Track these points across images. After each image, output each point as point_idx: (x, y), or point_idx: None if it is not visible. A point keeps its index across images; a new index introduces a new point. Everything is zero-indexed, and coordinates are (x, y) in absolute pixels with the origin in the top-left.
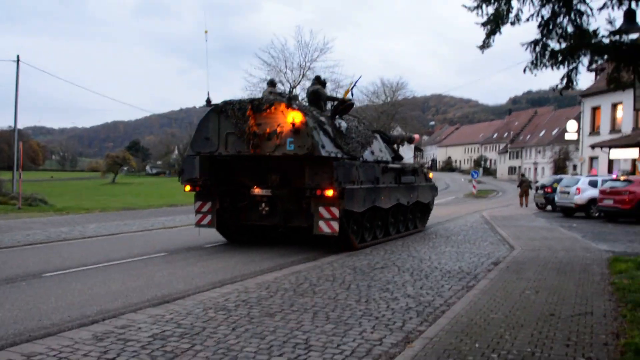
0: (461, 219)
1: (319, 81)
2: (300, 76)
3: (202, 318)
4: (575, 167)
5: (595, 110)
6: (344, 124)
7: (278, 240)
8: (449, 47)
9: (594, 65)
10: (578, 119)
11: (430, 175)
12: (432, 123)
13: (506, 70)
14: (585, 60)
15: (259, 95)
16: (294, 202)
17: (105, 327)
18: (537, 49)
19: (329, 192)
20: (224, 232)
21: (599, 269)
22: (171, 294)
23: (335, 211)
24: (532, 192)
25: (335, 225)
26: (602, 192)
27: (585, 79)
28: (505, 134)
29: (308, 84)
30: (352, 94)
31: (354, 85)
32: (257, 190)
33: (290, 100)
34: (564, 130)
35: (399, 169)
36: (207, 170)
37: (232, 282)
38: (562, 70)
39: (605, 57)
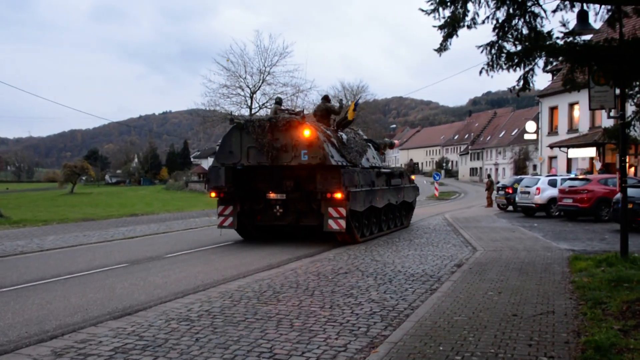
0: (424, 222)
1: (327, 100)
2: (260, 81)
3: (164, 329)
4: (535, 167)
5: (553, 110)
6: (344, 136)
7: (244, 247)
8: (408, 49)
9: (549, 67)
10: (537, 119)
11: (413, 177)
12: (394, 126)
13: (466, 72)
14: (540, 61)
15: (219, 101)
16: (305, 204)
17: (64, 343)
18: (493, 51)
19: (338, 195)
20: (242, 232)
21: (559, 268)
22: (132, 306)
23: (343, 211)
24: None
25: (343, 223)
26: (561, 191)
27: (542, 80)
28: (466, 136)
29: (268, 89)
30: (356, 111)
31: (357, 104)
32: (272, 195)
33: (304, 118)
34: (524, 131)
35: (389, 173)
36: (231, 179)
37: (194, 292)
38: (519, 72)
39: (560, 58)
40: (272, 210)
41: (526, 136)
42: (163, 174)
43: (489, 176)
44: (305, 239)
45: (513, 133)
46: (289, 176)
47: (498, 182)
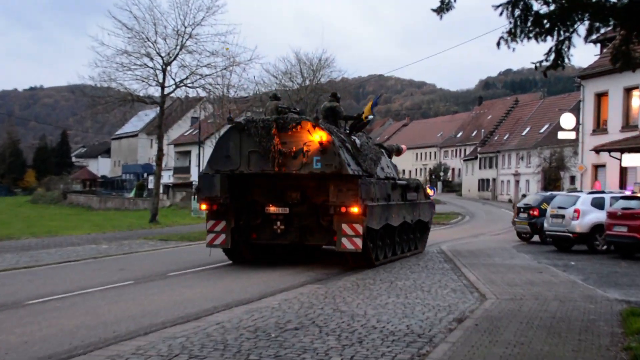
0: (410, 257)
1: (335, 98)
2: (177, 48)
3: None
4: (573, 179)
5: (600, 97)
6: (358, 141)
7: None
8: (395, 9)
9: (594, 35)
10: (576, 110)
11: (429, 192)
12: (370, 117)
13: (476, 41)
14: (582, 27)
15: (116, 74)
16: (312, 219)
17: None
18: (517, 12)
19: (354, 209)
20: (232, 253)
21: (607, 328)
22: None
23: (359, 228)
24: (510, 215)
25: (359, 242)
26: (611, 215)
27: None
28: (474, 133)
29: (189, 59)
30: (374, 113)
31: (375, 103)
32: (272, 208)
33: (317, 120)
34: (557, 127)
35: (405, 186)
36: (227, 189)
37: (84, 353)
38: (550, 43)
39: (611, 22)
40: (271, 227)
41: (561, 135)
42: (29, 180)
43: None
44: (305, 262)
45: (542, 130)
46: (295, 186)
47: (519, 200)
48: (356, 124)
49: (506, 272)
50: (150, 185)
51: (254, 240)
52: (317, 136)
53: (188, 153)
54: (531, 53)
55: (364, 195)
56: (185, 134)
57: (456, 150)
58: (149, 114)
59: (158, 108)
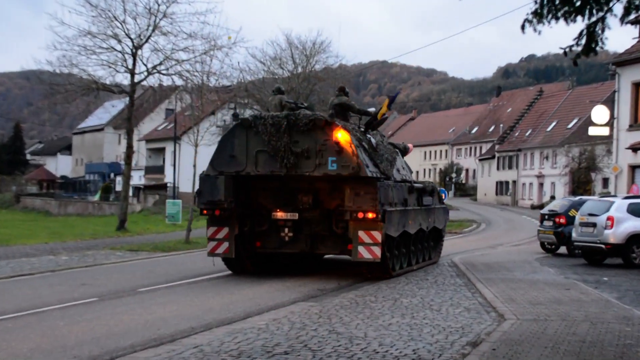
0: (417, 270)
1: (343, 92)
2: (150, 28)
3: None
4: (606, 181)
5: (638, 87)
6: (373, 140)
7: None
8: None
9: (632, 15)
10: (610, 102)
11: (443, 195)
12: (372, 109)
13: (494, 24)
14: (618, 5)
15: (79, 58)
16: (324, 226)
17: None
18: None
19: (373, 215)
20: (234, 263)
21: None
22: None
23: (377, 235)
24: (533, 223)
25: (377, 250)
26: None
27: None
28: (492, 128)
29: (163, 42)
30: (390, 109)
31: (393, 99)
32: (280, 214)
33: (332, 116)
34: (588, 122)
35: (421, 189)
36: (231, 192)
37: None
38: (580, 24)
39: None
40: (278, 234)
41: (592, 131)
42: None
43: (552, 198)
44: (300, 274)
45: (570, 125)
46: (306, 189)
47: (542, 206)
48: (372, 122)
49: (528, 288)
50: (118, 187)
51: (257, 249)
52: (333, 134)
53: (162, 150)
54: (559, 36)
55: (382, 200)
56: (159, 128)
57: (470, 148)
58: (116, 105)
59: (127, 98)
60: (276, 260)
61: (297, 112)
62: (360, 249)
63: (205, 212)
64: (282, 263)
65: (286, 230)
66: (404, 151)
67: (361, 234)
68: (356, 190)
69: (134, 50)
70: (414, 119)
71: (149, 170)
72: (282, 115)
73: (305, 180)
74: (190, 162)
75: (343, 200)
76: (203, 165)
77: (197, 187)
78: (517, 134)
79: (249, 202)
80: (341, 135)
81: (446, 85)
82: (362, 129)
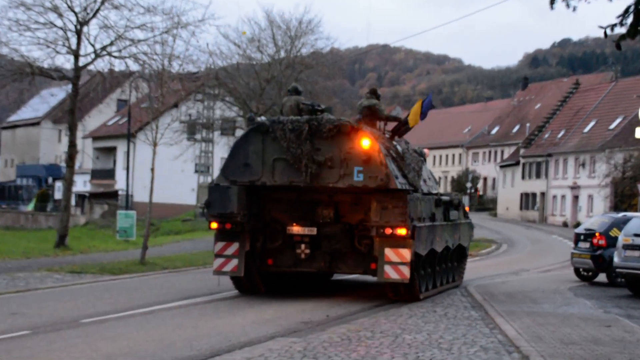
0: (424, 300)
1: (374, 95)
2: (98, 1)
3: None
4: None
5: None
6: (399, 147)
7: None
8: None
9: None
10: None
11: (467, 208)
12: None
13: (520, 1)
14: None
15: (9, 36)
16: (345, 242)
17: None
18: None
19: (402, 231)
20: (243, 283)
21: None
22: None
23: (407, 253)
24: (566, 245)
25: (406, 270)
26: None
27: None
28: (516, 128)
29: (114, 17)
30: (424, 116)
31: (428, 105)
32: (296, 228)
33: (359, 122)
34: (635, 122)
35: (447, 202)
36: (245, 204)
37: None
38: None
39: None
40: (293, 251)
41: (639, 132)
42: None
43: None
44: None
45: (612, 126)
46: (326, 202)
47: (578, 225)
48: (399, 128)
49: (559, 324)
50: (58, 195)
51: (269, 267)
52: (360, 142)
53: (112, 150)
54: (600, 15)
55: (412, 214)
56: (109, 123)
57: (489, 153)
58: (56, 94)
59: (70, 86)
60: (290, 279)
61: (320, 117)
62: (387, 268)
63: (214, 225)
64: (296, 283)
65: (302, 246)
66: (420, 156)
67: (388, 251)
68: (384, 204)
69: (78, 27)
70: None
71: (96, 174)
72: (304, 120)
73: (325, 192)
74: (147, 165)
75: (367, 214)
76: (163, 169)
77: (156, 195)
78: (547, 135)
79: (262, 215)
80: (369, 143)
81: (461, 76)
82: (388, 136)
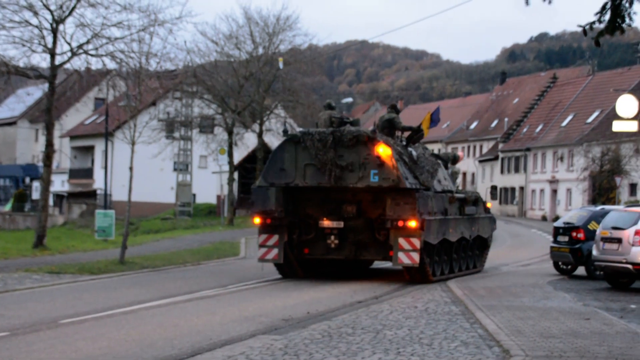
0: (405, 295)
1: (394, 109)
2: None
3: None
4: (634, 187)
5: None
6: (414, 153)
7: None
8: None
9: None
10: (639, 91)
11: (489, 205)
12: (348, 100)
13: None
14: None
15: None
16: (367, 233)
17: None
18: None
19: (412, 223)
20: (285, 268)
21: None
22: None
23: (416, 242)
24: (545, 238)
25: (416, 256)
26: None
27: None
28: (494, 123)
29: (90, 15)
30: (433, 123)
31: (436, 117)
32: (326, 222)
33: (374, 132)
34: (612, 115)
35: (462, 199)
36: (281, 202)
37: None
38: None
39: None
40: (324, 242)
41: (616, 126)
42: None
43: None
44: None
45: (590, 119)
46: (350, 200)
47: (556, 218)
48: (413, 136)
49: (539, 318)
50: (35, 195)
51: (306, 255)
52: (375, 149)
53: (90, 149)
54: (577, 11)
55: (421, 209)
56: (87, 122)
57: (469, 148)
58: (32, 93)
59: (46, 84)
60: (324, 265)
61: (342, 128)
62: (400, 255)
63: (257, 220)
64: (329, 270)
65: (332, 237)
66: (454, 160)
67: (401, 241)
68: (396, 201)
69: (54, 25)
70: (400, 112)
71: (74, 174)
72: (328, 132)
73: (349, 191)
74: (126, 164)
75: (384, 210)
76: (141, 168)
77: (135, 194)
78: (525, 130)
79: (297, 212)
80: (382, 150)
81: (439, 71)
82: (404, 143)
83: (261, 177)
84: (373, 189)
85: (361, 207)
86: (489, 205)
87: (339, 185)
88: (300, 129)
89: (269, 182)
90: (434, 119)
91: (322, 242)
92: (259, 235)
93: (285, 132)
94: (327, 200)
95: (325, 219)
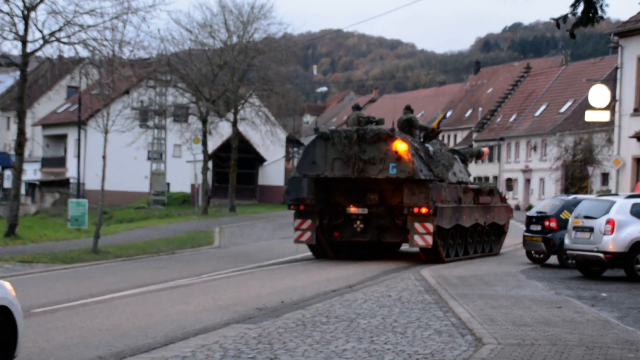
0: (379, 284)
1: (409, 110)
2: None
3: None
4: (605, 177)
5: None
6: (431, 148)
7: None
8: None
9: None
10: (611, 81)
11: (506, 196)
12: (323, 89)
13: None
14: None
15: None
16: (388, 219)
17: None
18: None
19: (425, 210)
20: (317, 249)
21: None
22: None
23: (430, 226)
24: (518, 227)
25: (429, 238)
26: None
27: (624, 3)
28: (468, 112)
29: (62, 1)
30: (445, 118)
31: (444, 117)
32: (353, 209)
33: (393, 130)
34: (584, 105)
35: (477, 190)
36: (313, 191)
37: None
38: None
39: None
40: (351, 226)
41: (589, 116)
42: None
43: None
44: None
45: (563, 109)
46: (373, 189)
47: (529, 207)
48: (429, 134)
49: (511, 306)
50: (7, 184)
51: (336, 238)
52: (394, 145)
53: (63, 138)
54: (551, 1)
55: (434, 198)
56: (59, 110)
57: (443, 137)
58: (4, 81)
59: (18, 72)
60: (352, 249)
61: (365, 127)
62: (416, 237)
63: (292, 207)
64: (355, 252)
65: (358, 222)
66: (478, 155)
67: (416, 225)
68: (412, 190)
69: (25, 12)
70: (374, 101)
71: (46, 162)
72: (353, 130)
73: (372, 182)
74: (99, 153)
75: (402, 198)
76: (115, 157)
77: (108, 183)
78: (499, 119)
79: (327, 200)
80: (400, 146)
81: (413, 60)
82: (422, 140)
83: (296, 169)
84: (392, 180)
85: (383, 196)
86: (505, 195)
87: (362, 176)
88: (331, 128)
89: (302, 173)
90: (445, 117)
91: (349, 226)
92: (294, 219)
93: (316, 130)
94: (353, 189)
95: (352, 206)
